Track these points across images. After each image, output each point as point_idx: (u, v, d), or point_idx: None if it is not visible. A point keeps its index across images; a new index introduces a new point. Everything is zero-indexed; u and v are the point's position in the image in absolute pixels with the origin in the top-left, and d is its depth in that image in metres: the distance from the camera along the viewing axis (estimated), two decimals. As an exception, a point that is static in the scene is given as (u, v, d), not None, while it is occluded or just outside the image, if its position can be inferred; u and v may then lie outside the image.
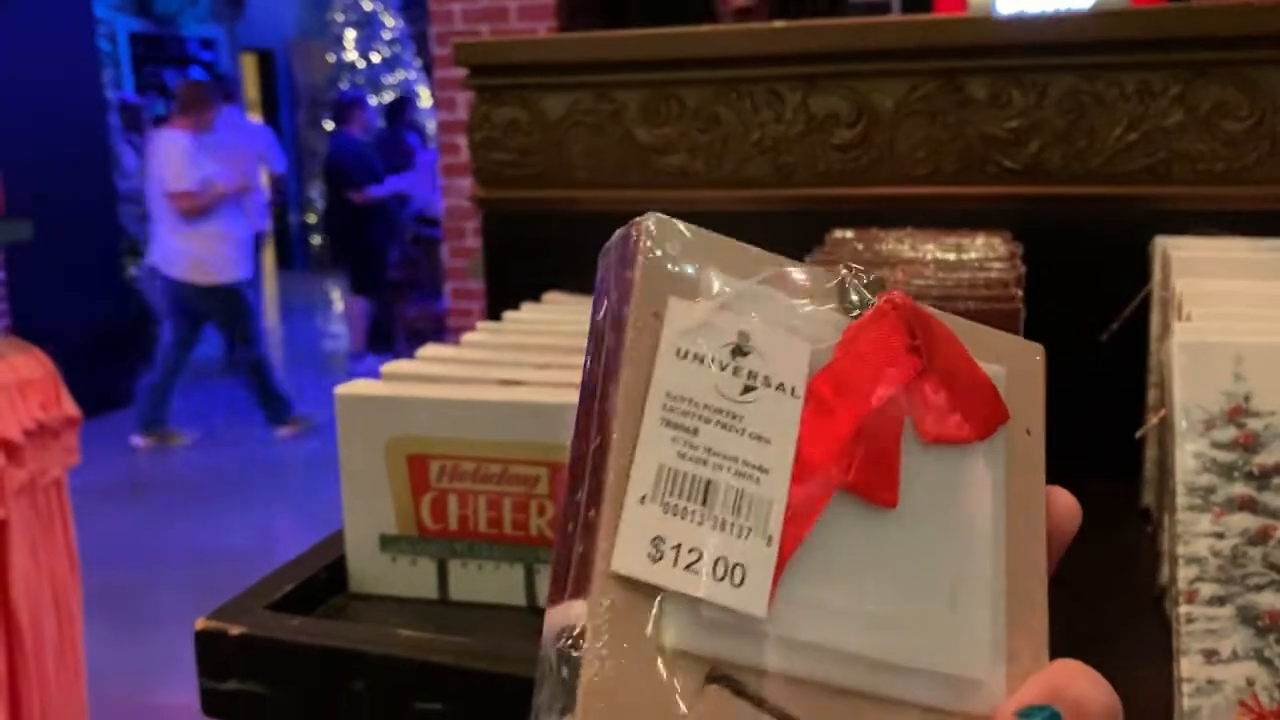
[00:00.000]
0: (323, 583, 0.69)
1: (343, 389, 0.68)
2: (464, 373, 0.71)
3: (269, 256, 9.67)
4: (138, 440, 4.77)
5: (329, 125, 5.98)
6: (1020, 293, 0.60)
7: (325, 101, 8.07)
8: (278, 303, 9.03)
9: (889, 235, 0.81)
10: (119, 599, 3.20)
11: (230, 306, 4.70)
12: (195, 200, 4.55)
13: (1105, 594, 0.68)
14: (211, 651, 0.61)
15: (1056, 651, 0.62)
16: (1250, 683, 0.49)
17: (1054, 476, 0.84)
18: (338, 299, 6.33)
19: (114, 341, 5.62)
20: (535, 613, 0.67)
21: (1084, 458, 0.84)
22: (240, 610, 0.63)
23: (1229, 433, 0.52)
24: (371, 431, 0.68)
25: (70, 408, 2.00)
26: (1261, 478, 0.51)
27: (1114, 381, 0.81)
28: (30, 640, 1.90)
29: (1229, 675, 0.50)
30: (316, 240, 8.55)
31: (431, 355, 0.76)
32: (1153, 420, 0.67)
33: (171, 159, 4.45)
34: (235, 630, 0.61)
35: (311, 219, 8.27)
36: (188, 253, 4.51)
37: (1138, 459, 0.80)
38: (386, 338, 5.90)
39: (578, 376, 0.70)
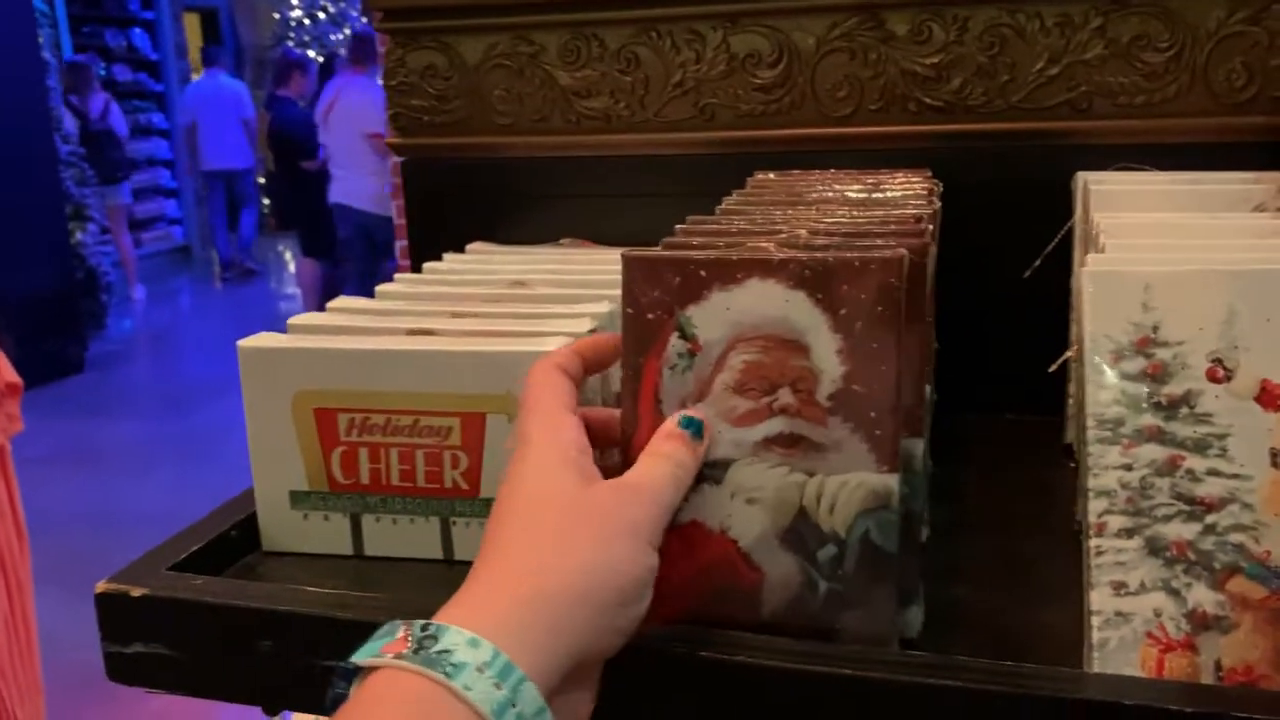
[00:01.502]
0: (233, 541, 0.67)
1: (245, 342, 0.66)
2: (373, 323, 0.69)
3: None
4: None
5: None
6: (932, 229, 0.59)
7: (270, 60, 7.95)
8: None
9: (809, 176, 0.79)
10: (75, 566, 3.17)
11: (388, 235, 5.03)
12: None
13: (1025, 528, 0.68)
14: (113, 615, 0.60)
15: (976, 582, 0.62)
16: (1158, 614, 0.49)
17: (981, 413, 0.84)
18: (290, 261, 6.25)
19: (62, 308, 5.53)
20: (451, 566, 0.66)
21: (1009, 395, 0.84)
22: (143, 571, 0.61)
23: (1137, 363, 0.52)
24: (277, 385, 0.66)
25: (10, 375, 1.95)
26: (1169, 408, 0.51)
27: (1039, 319, 0.80)
28: (-22, 610, 1.87)
29: (1137, 607, 0.49)
30: (265, 203, 8.43)
31: (343, 306, 0.74)
32: (1066, 354, 0.67)
33: (374, 104, 4.86)
34: (137, 592, 0.59)
35: (260, 181, 8.17)
36: (375, 189, 5.01)
37: (1062, 396, 0.79)
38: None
39: (492, 325, 0.69)
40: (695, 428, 0.52)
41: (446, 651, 0.41)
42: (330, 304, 0.74)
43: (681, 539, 0.54)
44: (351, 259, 5.27)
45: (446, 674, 0.40)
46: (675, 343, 0.53)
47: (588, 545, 0.46)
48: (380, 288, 0.78)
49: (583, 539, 0.46)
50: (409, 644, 0.41)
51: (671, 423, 0.52)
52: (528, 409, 0.53)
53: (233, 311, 7.38)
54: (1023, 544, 0.66)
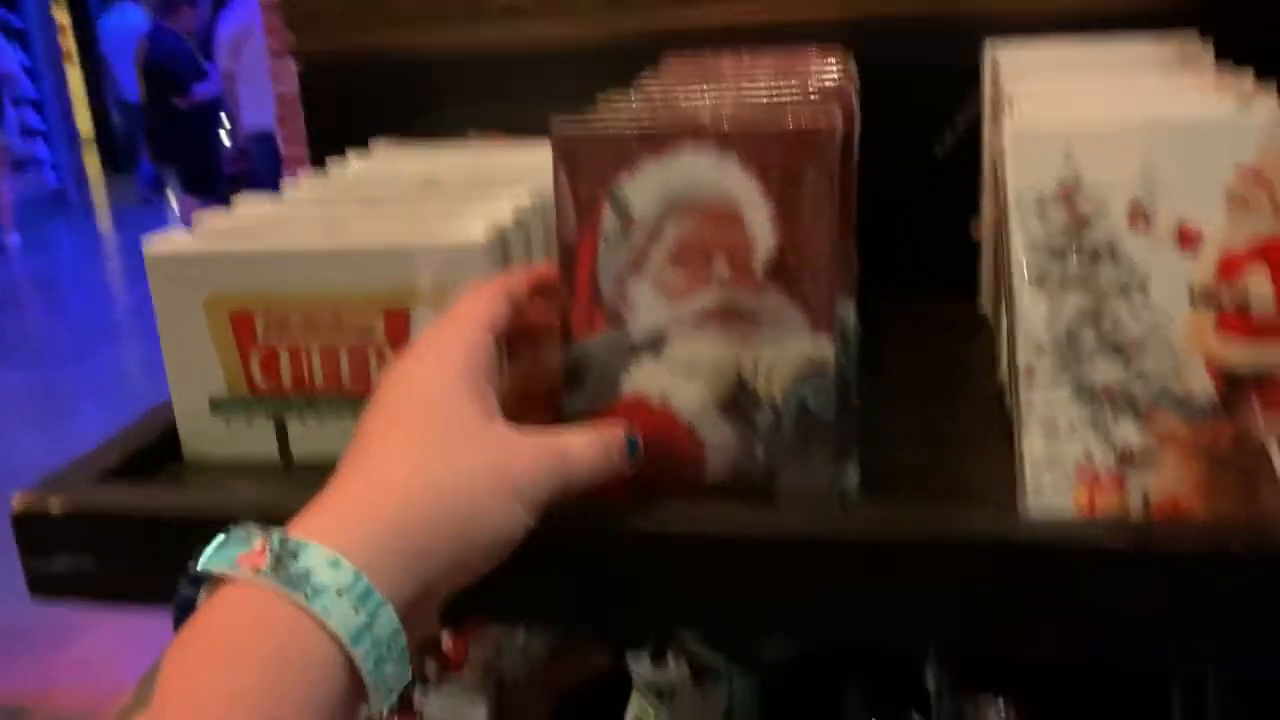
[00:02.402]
0: (154, 452, 0.65)
1: (152, 246, 0.64)
2: (284, 221, 0.67)
3: (94, 161, 9.14)
4: None
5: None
6: (855, 98, 0.59)
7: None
8: (109, 210, 8.57)
9: (722, 58, 0.78)
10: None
11: None
12: None
13: (948, 395, 0.69)
14: (32, 530, 0.57)
15: (905, 447, 0.64)
16: (1088, 455, 0.51)
17: (895, 293, 0.85)
18: (173, 198, 6.04)
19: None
20: (383, 465, 0.65)
21: (924, 273, 0.85)
22: (61, 484, 0.59)
23: (1060, 215, 0.52)
24: (187, 290, 0.63)
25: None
26: (1093, 256, 0.52)
27: (952, 197, 0.81)
28: None
29: (1067, 450, 0.51)
30: (143, 140, 8.14)
31: (248, 205, 0.71)
32: (985, 221, 0.68)
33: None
34: (56, 505, 0.57)
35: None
36: None
37: (975, 272, 0.81)
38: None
39: (410, 219, 0.67)
40: (634, 449, 0.52)
41: (306, 571, 0.39)
42: (236, 201, 0.71)
43: (623, 412, 0.54)
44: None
45: (306, 597, 0.39)
46: (609, 217, 0.52)
47: (469, 488, 0.45)
48: (287, 185, 0.75)
49: (464, 480, 0.45)
50: (267, 558, 0.40)
51: (619, 428, 0.52)
52: (447, 315, 0.51)
53: (117, 256, 7.12)
54: (946, 408, 0.68)
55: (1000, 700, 0.87)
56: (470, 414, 0.47)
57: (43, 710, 2.57)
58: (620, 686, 0.89)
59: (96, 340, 4.97)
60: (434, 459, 0.45)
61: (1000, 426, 0.61)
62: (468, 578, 0.45)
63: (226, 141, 5.77)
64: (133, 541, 0.57)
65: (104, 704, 2.54)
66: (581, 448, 0.49)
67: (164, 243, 0.64)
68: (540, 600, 0.52)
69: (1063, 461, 0.51)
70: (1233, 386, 0.50)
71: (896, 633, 0.51)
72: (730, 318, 0.52)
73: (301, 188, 0.76)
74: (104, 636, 2.83)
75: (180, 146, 5.65)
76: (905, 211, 0.84)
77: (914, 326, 0.81)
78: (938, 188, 0.83)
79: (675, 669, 0.75)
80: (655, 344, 0.53)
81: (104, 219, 8.34)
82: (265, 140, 4.93)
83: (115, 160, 9.10)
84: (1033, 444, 0.51)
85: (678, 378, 0.53)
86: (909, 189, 0.85)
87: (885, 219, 0.81)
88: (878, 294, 0.80)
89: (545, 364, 0.56)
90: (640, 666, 0.77)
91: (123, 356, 4.67)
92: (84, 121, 9.29)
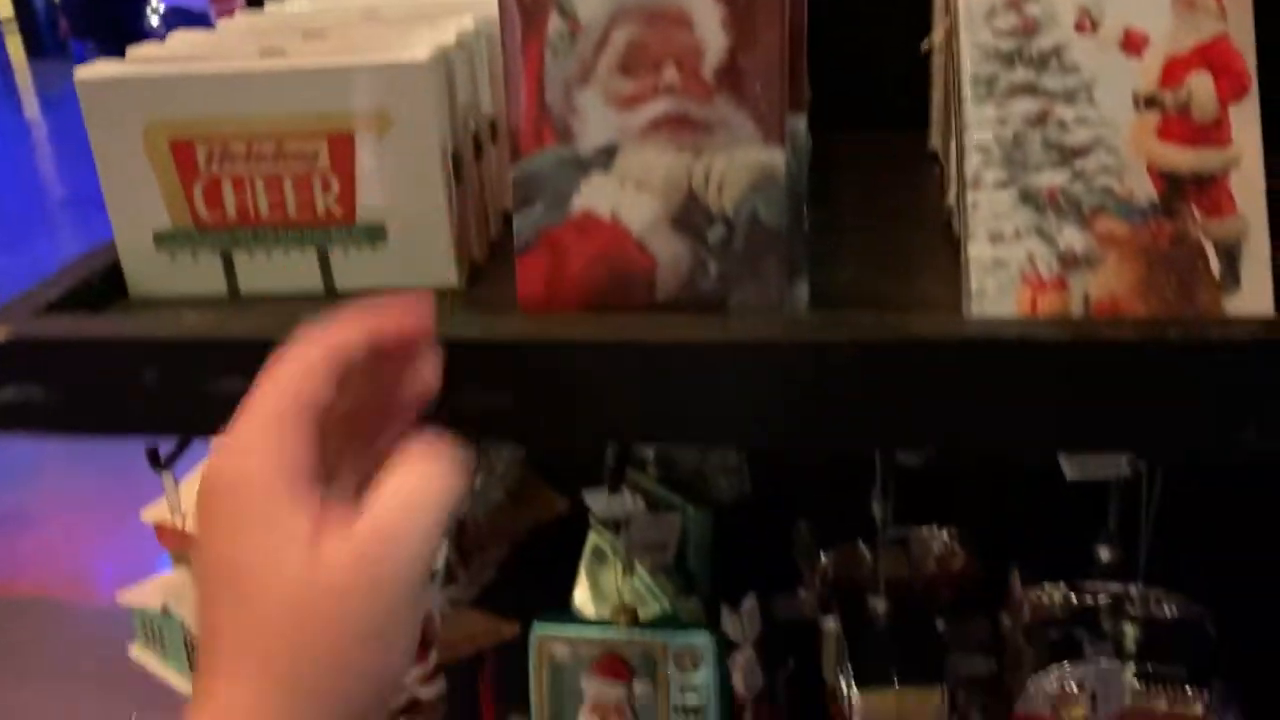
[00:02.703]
0: (98, 289, 0.64)
1: (84, 71, 0.62)
2: (222, 48, 0.65)
3: (15, 45, 8.79)
4: None
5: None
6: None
7: None
8: (35, 96, 8.26)
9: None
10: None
11: None
12: None
13: (898, 222, 0.70)
14: (-22, 360, 0.57)
15: (855, 267, 0.64)
16: (1031, 259, 0.52)
17: (846, 128, 0.84)
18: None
19: None
20: (334, 297, 0.64)
21: (876, 111, 0.85)
22: (4, 316, 0.58)
23: (1009, 20, 0.52)
24: (125, 118, 0.62)
25: None
26: (1040, 61, 0.52)
27: (904, 36, 0.81)
28: None
29: (1012, 254, 0.52)
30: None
31: (183, 37, 0.69)
32: (935, 38, 0.67)
33: None
34: (1, 335, 0.56)
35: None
36: None
37: (925, 108, 0.81)
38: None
39: (351, 46, 0.65)
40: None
41: None
42: (170, 35, 0.69)
43: (573, 230, 0.54)
44: None
45: None
46: (555, 23, 0.51)
47: (330, 663, 0.40)
48: (221, 21, 0.73)
49: (322, 654, 0.40)
50: None
51: (441, 445, 0.44)
52: (255, 410, 0.43)
53: (46, 143, 6.90)
54: (896, 235, 0.68)
55: (944, 531, 0.90)
56: (303, 566, 0.40)
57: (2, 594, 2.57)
58: (578, 528, 0.91)
59: (29, 231, 4.84)
60: (294, 645, 0.40)
61: (947, 250, 0.62)
62: (395, 695, 0.43)
63: (154, 21, 5.57)
64: (81, 370, 0.56)
65: (63, 588, 2.55)
66: (418, 495, 0.42)
67: (97, 68, 0.62)
68: (494, 416, 0.53)
69: (1007, 265, 0.52)
70: (1173, 189, 0.51)
71: (847, 435, 0.52)
72: (680, 127, 0.52)
73: (237, 22, 0.74)
74: (62, 523, 2.82)
75: (101, 22, 5.45)
76: (855, 47, 0.84)
77: (864, 159, 0.81)
78: (889, 22, 0.82)
79: (630, 500, 0.76)
80: (604, 157, 0.53)
81: (30, 105, 8.05)
82: (183, 16, 4.75)
83: (39, 45, 8.74)
84: (979, 250, 0.52)
85: (628, 191, 0.53)
86: (859, 24, 0.84)
87: (836, 54, 0.81)
88: (828, 128, 0.80)
89: (409, 379, 0.48)
90: (596, 502, 0.78)
91: (59, 248, 4.56)
92: (2, 4, 8.89)
